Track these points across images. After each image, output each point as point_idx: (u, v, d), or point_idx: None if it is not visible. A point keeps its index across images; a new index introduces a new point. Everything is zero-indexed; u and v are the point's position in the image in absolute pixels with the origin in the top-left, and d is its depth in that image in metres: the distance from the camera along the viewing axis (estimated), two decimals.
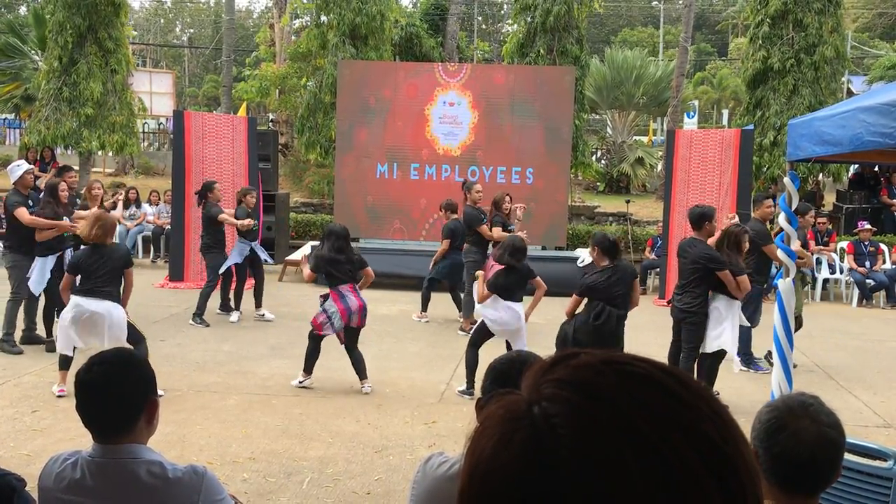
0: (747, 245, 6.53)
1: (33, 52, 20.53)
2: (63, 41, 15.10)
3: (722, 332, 6.38)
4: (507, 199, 9.23)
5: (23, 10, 37.05)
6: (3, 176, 19.01)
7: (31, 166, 8.63)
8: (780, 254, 5.41)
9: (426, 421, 6.04)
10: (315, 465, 5.08)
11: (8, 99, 21.34)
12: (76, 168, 16.57)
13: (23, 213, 7.58)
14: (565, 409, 0.62)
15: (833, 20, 14.82)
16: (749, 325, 7.84)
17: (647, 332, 8.55)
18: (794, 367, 6.45)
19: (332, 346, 8.24)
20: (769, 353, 7.27)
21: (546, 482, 0.60)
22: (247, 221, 9.36)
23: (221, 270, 9.44)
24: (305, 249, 12.70)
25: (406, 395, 6.71)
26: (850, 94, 21.29)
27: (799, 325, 7.57)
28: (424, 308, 9.68)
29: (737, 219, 7.61)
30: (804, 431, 1.88)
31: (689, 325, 6.47)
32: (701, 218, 6.55)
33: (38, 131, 15.21)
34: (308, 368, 6.81)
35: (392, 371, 7.38)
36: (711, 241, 6.53)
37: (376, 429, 5.83)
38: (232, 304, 9.70)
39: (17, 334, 7.85)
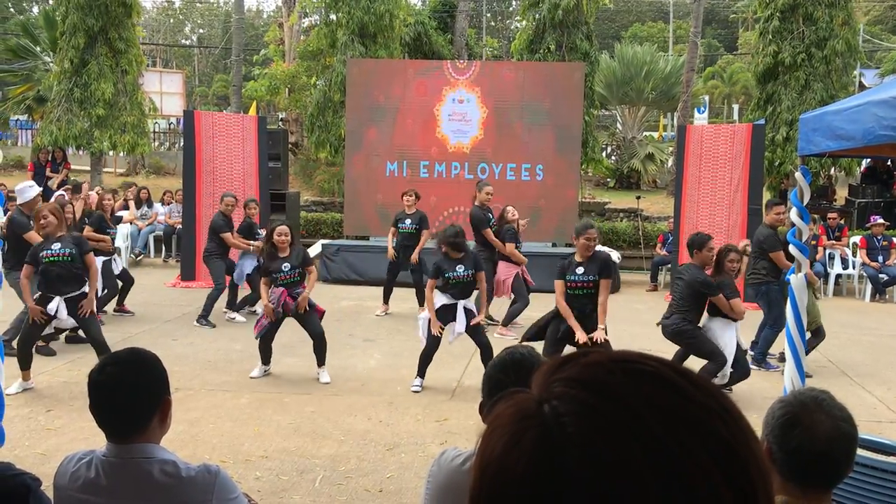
0: (733, 264, 6.66)
1: (45, 53, 20.64)
2: (76, 42, 15.18)
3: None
4: (511, 211, 9.25)
5: (35, 10, 37.23)
6: (12, 177, 19.14)
7: (40, 189, 8.59)
8: (791, 250, 5.38)
9: (437, 418, 6.05)
10: (327, 462, 5.10)
11: (21, 100, 21.46)
12: (87, 169, 16.71)
13: (33, 237, 7.57)
14: (575, 407, 0.63)
15: (844, 13, 14.70)
16: (774, 328, 7.86)
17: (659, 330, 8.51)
18: (809, 376, 6.44)
19: (342, 344, 8.26)
20: (783, 353, 7.27)
21: (556, 480, 0.60)
22: (252, 243, 9.52)
23: (240, 281, 9.60)
24: (316, 248, 12.74)
25: (417, 392, 6.72)
26: (861, 87, 21.14)
27: (821, 335, 7.57)
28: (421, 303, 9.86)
29: (749, 247, 7.62)
30: (819, 426, 1.88)
31: (689, 344, 6.58)
32: (691, 246, 6.72)
33: (49, 132, 15.30)
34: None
35: (403, 369, 7.39)
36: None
37: (388, 426, 5.84)
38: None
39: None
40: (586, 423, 0.61)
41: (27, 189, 8.07)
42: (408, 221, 9.83)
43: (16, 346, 6.83)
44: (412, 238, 9.84)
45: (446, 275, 6.77)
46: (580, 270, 6.21)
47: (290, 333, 8.66)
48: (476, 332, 6.76)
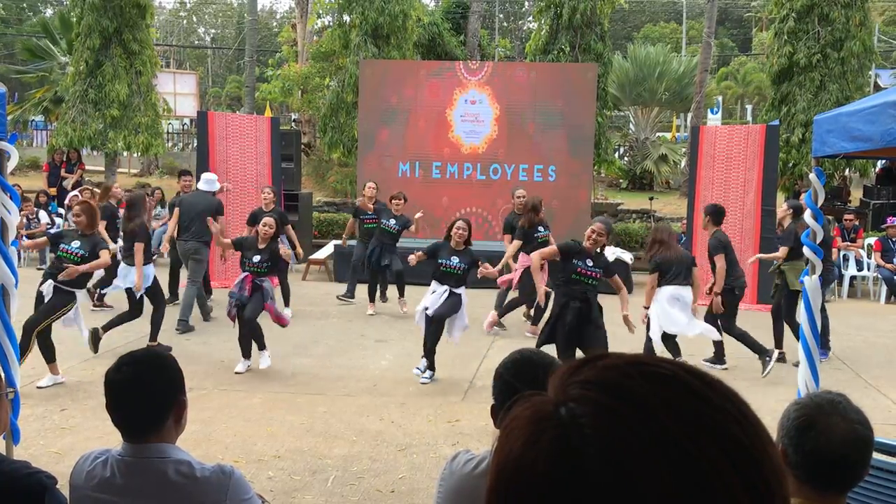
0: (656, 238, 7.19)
1: (63, 54, 20.81)
2: (91, 44, 15.28)
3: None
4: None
5: (49, 12, 37.48)
6: (27, 178, 19.27)
7: (219, 188, 9.63)
8: (805, 251, 5.35)
9: (449, 419, 6.05)
10: (339, 463, 5.11)
11: (38, 102, 21.64)
12: (101, 169, 16.82)
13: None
14: (592, 409, 0.63)
15: (860, 14, 14.61)
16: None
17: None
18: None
19: (353, 345, 8.28)
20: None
21: (574, 481, 0.60)
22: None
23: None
24: (329, 248, 12.77)
25: (429, 393, 6.73)
26: (877, 88, 21.00)
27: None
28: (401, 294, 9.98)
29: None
30: (835, 428, 1.87)
31: None
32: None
33: (64, 133, 15.41)
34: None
35: (415, 369, 7.39)
36: None
37: (400, 427, 5.85)
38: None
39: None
40: (603, 425, 0.62)
41: (212, 182, 9.46)
42: (392, 221, 9.98)
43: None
44: (393, 238, 9.97)
45: (440, 260, 7.10)
46: (590, 262, 6.32)
47: (303, 333, 8.71)
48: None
